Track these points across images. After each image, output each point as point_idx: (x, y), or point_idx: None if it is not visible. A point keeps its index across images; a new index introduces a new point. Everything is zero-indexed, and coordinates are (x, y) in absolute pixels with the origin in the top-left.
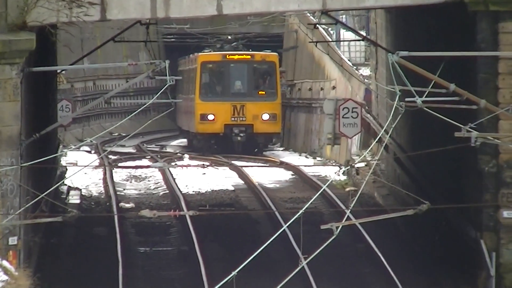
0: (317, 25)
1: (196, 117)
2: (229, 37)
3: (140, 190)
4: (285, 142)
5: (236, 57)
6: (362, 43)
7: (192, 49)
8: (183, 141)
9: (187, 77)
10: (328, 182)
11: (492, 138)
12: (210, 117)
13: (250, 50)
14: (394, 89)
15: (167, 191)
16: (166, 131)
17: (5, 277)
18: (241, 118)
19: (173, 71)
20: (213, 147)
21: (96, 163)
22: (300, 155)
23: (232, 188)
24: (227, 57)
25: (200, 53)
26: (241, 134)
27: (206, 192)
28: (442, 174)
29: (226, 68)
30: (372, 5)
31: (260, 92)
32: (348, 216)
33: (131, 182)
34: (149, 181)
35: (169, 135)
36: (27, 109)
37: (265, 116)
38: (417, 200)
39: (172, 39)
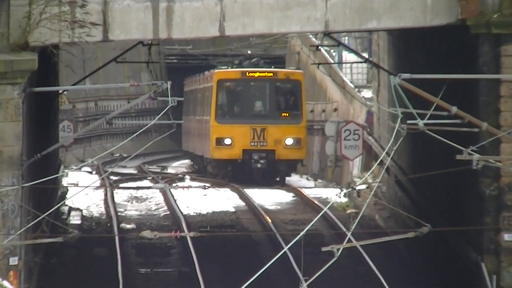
0: (319, 46)
1: (211, 141)
2: (249, 52)
3: (141, 211)
4: None
5: (257, 74)
6: (364, 65)
7: (194, 70)
8: (184, 163)
9: (201, 97)
10: (329, 204)
11: (494, 161)
12: (227, 141)
13: (272, 67)
14: (396, 111)
15: (168, 212)
16: (168, 152)
17: None
18: (261, 143)
19: (176, 92)
20: (230, 174)
21: (97, 183)
22: (301, 177)
23: (233, 210)
24: (247, 74)
25: (216, 70)
26: (261, 161)
27: (207, 213)
28: (443, 196)
29: (245, 86)
30: (375, 27)
31: (283, 114)
32: (349, 238)
33: (132, 203)
34: (150, 202)
35: (170, 156)
36: (28, 130)
37: (289, 141)
38: (418, 223)
39: (174, 60)
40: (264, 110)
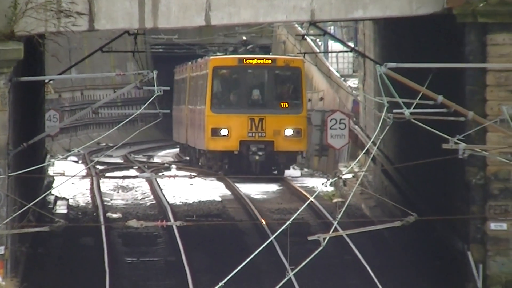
0: (305, 36)
1: (207, 131)
2: (244, 38)
3: (127, 201)
4: None
5: (254, 61)
6: (350, 54)
7: (180, 60)
8: (170, 152)
9: (194, 85)
10: (315, 193)
11: (480, 150)
12: (223, 132)
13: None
14: (382, 100)
15: (154, 202)
16: (154, 141)
17: None
18: (259, 134)
19: (162, 81)
20: (226, 167)
21: (84, 173)
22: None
23: (220, 199)
24: (244, 61)
25: (211, 57)
26: (260, 153)
27: (193, 202)
28: (430, 186)
29: (242, 74)
30: (361, 16)
31: (282, 104)
32: (335, 227)
33: (118, 192)
34: (136, 191)
35: (157, 145)
36: (14, 119)
37: (288, 132)
38: (404, 212)
39: (160, 50)
40: (263, 99)
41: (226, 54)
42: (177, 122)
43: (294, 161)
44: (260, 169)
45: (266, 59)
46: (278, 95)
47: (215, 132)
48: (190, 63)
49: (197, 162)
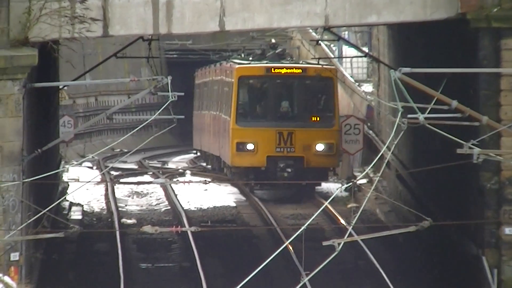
0: (320, 41)
1: (231, 146)
2: (273, 41)
3: (142, 206)
4: None
5: (283, 71)
6: (365, 59)
7: (194, 65)
8: (185, 157)
9: (218, 91)
10: (330, 199)
11: (494, 155)
12: (249, 146)
13: (302, 62)
14: (396, 105)
15: (169, 207)
16: (168, 147)
17: None
18: (288, 149)
19: (176, 87)
20: (252, 184)
21: (98, 179)
22: None
23: (234, 204)
24: (272, 70)
25: (237, 65)
26: (288, 169)
27: (207, 208)
28: (444, 191)
29: (270, 85)
30: (375, 22)
31: (313, 117)
32: (350, 232)
33: (133, 198)
34: (150, 197)
35: (171, 151)
36: (29, 125)
37: (319, 147)
38: (419, 217)
39: (174, 55)
40: (292, 112)
41: (252, 59)
42: (199, 128)
43: (326, 178)
44: (288, 187)
45: (296, 68)
46: (308, 107)
47: (241, 146)
48: (213, 65)
49: (221, 170)
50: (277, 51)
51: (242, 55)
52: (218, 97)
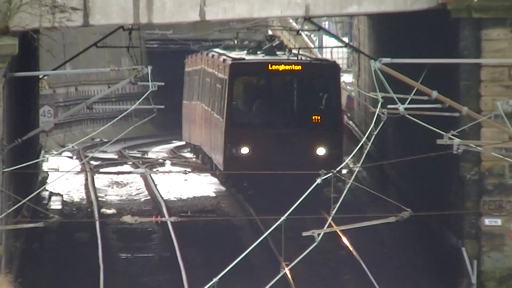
0: (300, 31)
1: (224, 150)
2: (270, 32)
3: (121, 196)
4: None
5: (281, 67)
6: (345, 49)
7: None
8: (165, 147)
9: (211, 83)
10: (310, 189)
11: (474, 146)
12: (244, 150)
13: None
14: (376, 96)
15: (149, 197)
16: (149, 137)
17: None
18: (287, 153)
19: (157, 76)
20: (247, 190)
21: (78, 168)
22: None
23: (214, 195)
24: (270, 67)
25: (231, 60)
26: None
27: (187, 198)
28: (424, 181)
29: (267, 83)
30: (355, 12)
31: (314, 117)
32: (329, 223)
33: (112, 188)
34: (130, 187)
35: (152, 141)
36: (9, 114)
37: (321, 151)
38: (399, 208)
39: (155, 45)
40: (291, 112)
41: (248, 51)
42: (189, 120)
43: (327, 183)
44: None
45: (295, 65)
46: (309, 107)
47: (234, 150)
48: (205, 53)
49: (214, 168)
50: (274, 44)
51: (236, 42)
52: (211, 92)
